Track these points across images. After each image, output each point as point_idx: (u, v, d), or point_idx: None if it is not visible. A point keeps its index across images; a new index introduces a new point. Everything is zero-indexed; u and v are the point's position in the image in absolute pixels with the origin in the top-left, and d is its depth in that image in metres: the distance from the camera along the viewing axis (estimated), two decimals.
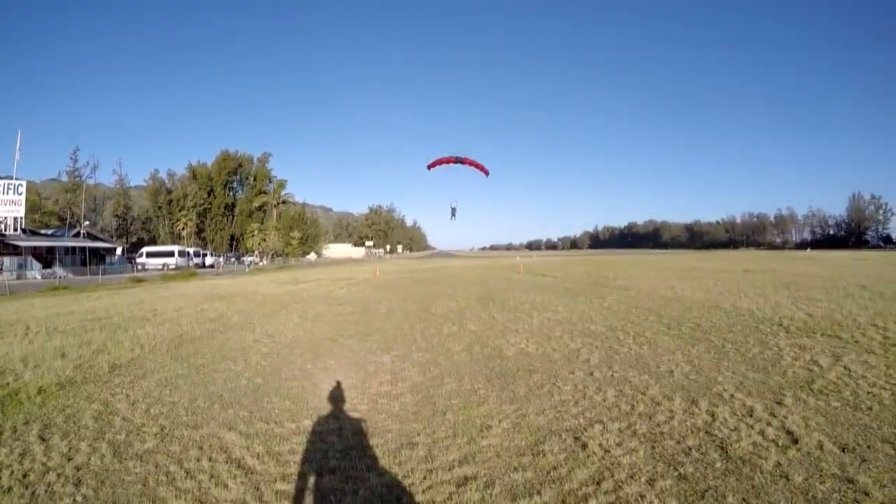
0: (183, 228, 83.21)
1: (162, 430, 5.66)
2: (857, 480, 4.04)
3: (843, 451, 4.61)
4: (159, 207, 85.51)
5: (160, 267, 51.19)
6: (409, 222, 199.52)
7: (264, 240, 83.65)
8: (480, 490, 4.15)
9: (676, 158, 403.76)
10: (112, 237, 71.44)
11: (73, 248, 46.14)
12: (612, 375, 7.51)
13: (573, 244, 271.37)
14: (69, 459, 4.87)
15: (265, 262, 78.32)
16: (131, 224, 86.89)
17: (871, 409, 5.71)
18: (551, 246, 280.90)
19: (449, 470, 4.53)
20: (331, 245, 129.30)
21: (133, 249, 68.87)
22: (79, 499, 4.13)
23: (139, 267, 51.97)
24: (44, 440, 5.37)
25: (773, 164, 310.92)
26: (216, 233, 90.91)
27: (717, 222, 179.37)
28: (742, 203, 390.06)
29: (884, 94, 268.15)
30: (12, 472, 4.61)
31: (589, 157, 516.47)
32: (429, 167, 27.96)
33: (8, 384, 7.52)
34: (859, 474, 4.15)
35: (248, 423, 5.81)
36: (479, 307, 15.86)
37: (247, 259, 78.55)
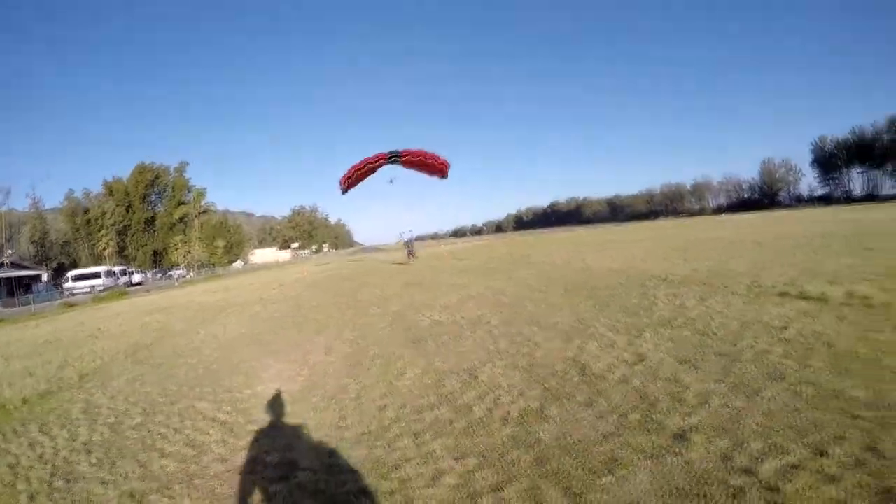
0: (104, 249, 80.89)
1: (144, 410, 7.07)
2: (682, 380, 5.61)
3: (680, 363, 6.23)
4: (77, 229, 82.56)
5: (88, 290, 50.04)
6: (332, 220, 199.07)
7: (189, 252, 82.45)
8: (396, 410, 5.82)
9: (595, 135, 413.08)
10: (31, 264, 69.02)
11: None
12: (507, 331, 9.27)
13: (498, 227, 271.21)
14: (74, 440, 6.22)
15: (192, 274, 77.37)
16: (50, 249, 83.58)
17: (716, 334, 7.29)
18: (476, 231, 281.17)
19: (373, 402, 6.20)
20: (256, 251, 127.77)
21: (57, 275, 66.70)
22: (93, 461, 5.51)
23: (66, 292, 50.78)
24: (45, 433, 6.66)
25: (688, 135, 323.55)
26: (138, 249, 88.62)
27: (638, 194, 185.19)
28: (661, 174, 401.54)
29: (789, 62, 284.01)
30: (28, 456, 5.88)
31: (508, 139, 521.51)
32: (345, 186, 21.59)
33: None
34: (686, 377, 5.72)
35: (214, 395, 7.30)
36: (401, 292, 17.39)
37: (175, 273, 77.39)
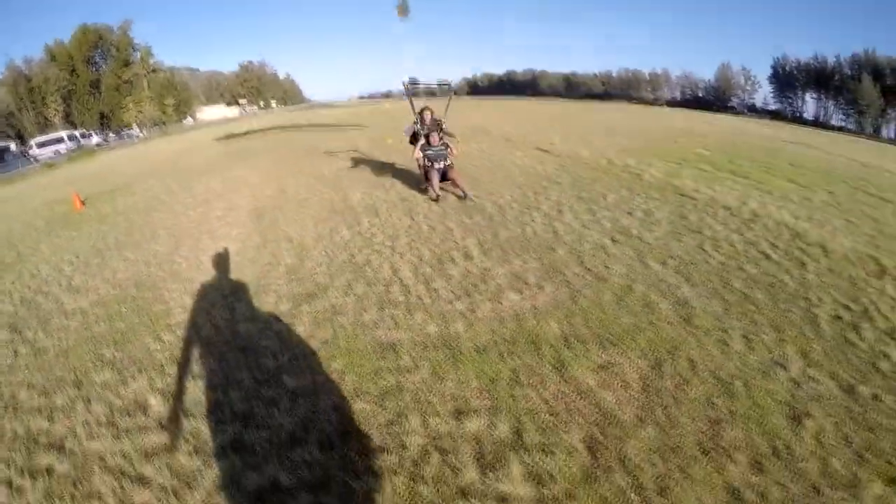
0: (54, 115, 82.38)
1: (179, 184, 14.53)
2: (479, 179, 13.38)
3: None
4: (21, 99, 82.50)
5: (52, 154, 53.34)
6: (281, 75, 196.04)
7: (140, 111, 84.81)
8: (293, 182, 13.47)
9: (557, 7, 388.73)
10: None
11: None
12: (365, 156, 16.81)
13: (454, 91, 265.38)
14: (144, 197, 13.63)
15: (145, 133, 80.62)
16: None
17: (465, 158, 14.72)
18: (430, 93, 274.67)
19: (282, 181, 13.85)
20: (204, 108, 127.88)
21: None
22: (164, 199, 12.99)
23: (32, 158, 54.31)
24: (122, 198, 13.97)
25: (654, 25, 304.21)
26: (84, 113, 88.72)
27: (595, 75, 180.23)
28: (621, 58, 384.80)
29: None
30: (123, 203, 13.25)
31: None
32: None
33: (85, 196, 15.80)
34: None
35: (207, 179, 14.79)
36: (317, 138, 24.89)
37: (132, 132, 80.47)
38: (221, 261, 7.46)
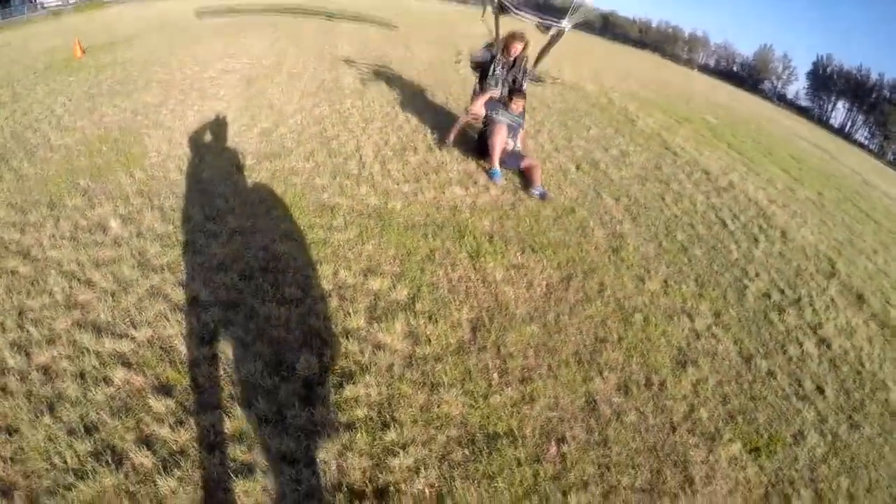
0: None
1: (185, 43, 14.61)
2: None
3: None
4: None
5: (60, 2, 51.21)
6: None
7: None
8: (294, 45, 13.60)
9: None
10: None
11: None
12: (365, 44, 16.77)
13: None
14: (154, 48, 13.75)
15: None
16: None
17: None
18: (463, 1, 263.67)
19: (288, 41, 13.96)
20: None
21: None
22: (170, 49, 13.12)
23: (39, 4, 51.92)
24: (131, 48, 14.07)
25: None
26: None
27: (634, 20, 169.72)
28: (662, 10, 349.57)
29: None
30: (137, 51, 13.42)
31: None
32: None
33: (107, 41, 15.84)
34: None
35: (213, 42, 14.86)
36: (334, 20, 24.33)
37: None
38: (203, 117, 7.89)
